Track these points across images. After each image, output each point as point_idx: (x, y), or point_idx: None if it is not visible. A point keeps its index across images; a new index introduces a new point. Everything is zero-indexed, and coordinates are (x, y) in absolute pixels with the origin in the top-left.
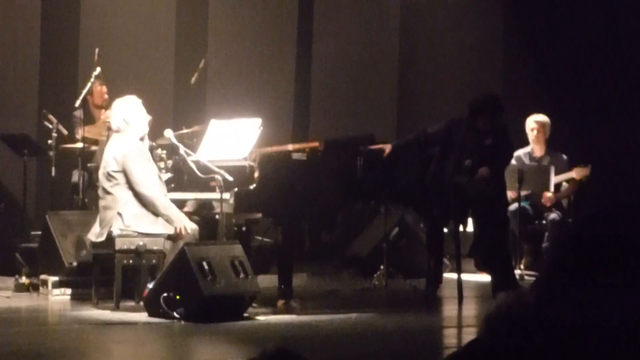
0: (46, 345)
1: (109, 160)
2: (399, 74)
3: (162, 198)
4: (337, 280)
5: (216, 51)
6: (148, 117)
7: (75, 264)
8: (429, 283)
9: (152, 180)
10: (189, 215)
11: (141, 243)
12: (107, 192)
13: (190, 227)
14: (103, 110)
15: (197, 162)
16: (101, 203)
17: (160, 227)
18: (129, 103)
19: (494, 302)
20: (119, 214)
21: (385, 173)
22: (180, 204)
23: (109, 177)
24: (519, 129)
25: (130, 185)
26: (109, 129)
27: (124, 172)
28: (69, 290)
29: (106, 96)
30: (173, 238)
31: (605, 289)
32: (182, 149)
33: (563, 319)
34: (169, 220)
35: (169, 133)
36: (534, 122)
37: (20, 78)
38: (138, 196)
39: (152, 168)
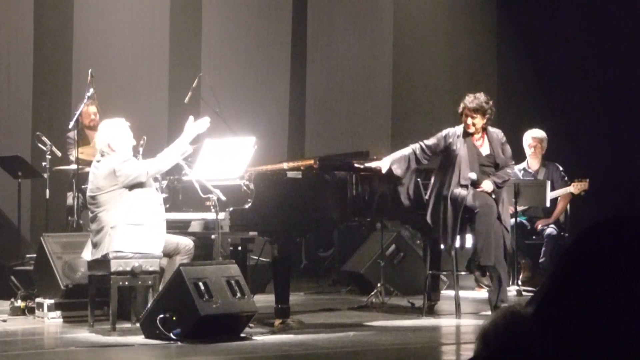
0: None
1: (94, 184)
2: (393, 91)
3: (147, 166)
4: (334, 298)
5: (210, 70)
6: (133, 142)
7: (71, 285)
8: (427, 299)
9: (137, 165)
10: (185, 234)
11: (137, 264)
12: (96, 215)
13: (186, 244)
14: (94, 133)
15: (197, 181)
16: (91, 226)
17: (151, 246)
18: (114, 127)
19: (488, 317)
20: (109, 235)
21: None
22: (184, 225)
23: (95, 200)
24: (515, 143)
25: (132, 182)
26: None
27: (124, 185)
28: (64, 313)
29: (93, 117)
30: (169, 254)
31: (603, 302)
32: (186, 169)
33: (561, 333)
34: (174, 157)
35: None
36: (531, 139)
37: (14, 100)
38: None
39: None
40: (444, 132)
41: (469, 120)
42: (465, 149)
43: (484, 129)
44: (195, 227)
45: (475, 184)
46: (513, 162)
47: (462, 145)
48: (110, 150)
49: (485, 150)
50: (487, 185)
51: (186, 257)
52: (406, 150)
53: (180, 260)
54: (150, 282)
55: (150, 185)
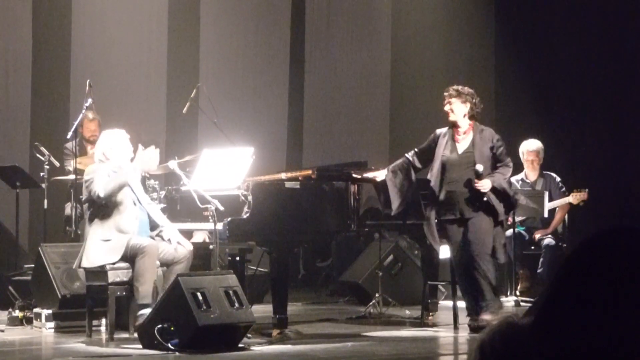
0: None
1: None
2: (391, 102)
3: (101, 187)
4: (332, 308)
5: (208, 80)
6: (130, 154)
7: (68, 296)
8: (425, 310)
9: (100, 183)
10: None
11: (130, 271)
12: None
13: (185, 244)
14: (93, 146)
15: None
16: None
17: (117, 256)
18: (112, 137)
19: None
20: (83, 248)
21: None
22: (188, 235)
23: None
24: (512, 153)
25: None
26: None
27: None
28: (62, 323)
29: (94, 133)
30: (167, 263)
31: (601, 313)
32: (185, 180)
33: (559, 344)
34: (122, 185)
35: (173, 164)
36: (527, 153)
37: (12, 110)
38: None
39: (106, 177)
40: (433, 134)
41: (447, 107)
42: (444, 145)
43: (474, 126)
44: (199, 238)
45: (478, 176)
46: (508, 161)
47: (443, 142)
48: (105, 158)
49: (463, 146)
50: (486, 185)
51: (184, 263)
52: (402, 159)
53: (179, 269)
54: (118, 292)
55: (122, 202)
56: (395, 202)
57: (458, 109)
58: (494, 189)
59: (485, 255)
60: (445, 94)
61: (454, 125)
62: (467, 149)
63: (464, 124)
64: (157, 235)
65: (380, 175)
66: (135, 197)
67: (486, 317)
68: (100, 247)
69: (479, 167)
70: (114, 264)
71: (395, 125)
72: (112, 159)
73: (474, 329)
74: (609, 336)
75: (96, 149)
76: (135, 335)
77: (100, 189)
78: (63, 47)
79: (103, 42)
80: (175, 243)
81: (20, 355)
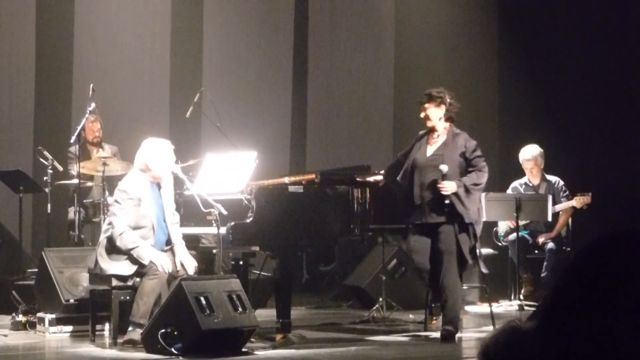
0: None
1: None
2: (394, 105)
3: (121, 238)
4: (335, 312)
5: (211, 85)
6: (172, 167)
7: (72, 300)
8: (429, 314)
9: (119, 220)
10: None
11: (138, 279)
12: None
13: (166, 266)
14: (97, 149)
15: (198, 196)
16: None
17: (126, 268)
18: (156, 148)
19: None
20: (96, 252)
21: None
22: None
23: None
24: (516, 157)
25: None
26: (104, 164)
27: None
28: (66, 327)
29: (97, 133)
30: (173, 275)
31: (606, 318)
32: (188, 184)
33: (563, 348)
34: (137, 258)
35: (176, 168)
36: (525, 162)
37: (16, 115)
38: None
39: (132, 208)
40: (411, 143)
41: (422, 113)
42: (417, 148)
43: (449, 130)
44: (202, 241)
45: (443, 177)
46: (482, 166)
47: (418, 145)
48: (147, 168)
49: (433, 148)
50: (449, 187)
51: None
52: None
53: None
54: (122, 297)
55: (142, 226)
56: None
57: (433, 114)
58: (460, 193)
59: (452, 269)
60: (419, 101)
61: (431, 129)
62: (436, 151)
63: (441, 127)
64: (169, 249)
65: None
66: (155, 221)
67: (448, 327)
68: (115, 255)
69: (444, 168)
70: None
71: (398, 129)
72: (154, 170)
73: (443, 336)
74: (612, 341)
75: (137, 157)
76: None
77: (120, 239)
78: (66, 52)
79: (106, 46)
80: (179, 264)
81: None
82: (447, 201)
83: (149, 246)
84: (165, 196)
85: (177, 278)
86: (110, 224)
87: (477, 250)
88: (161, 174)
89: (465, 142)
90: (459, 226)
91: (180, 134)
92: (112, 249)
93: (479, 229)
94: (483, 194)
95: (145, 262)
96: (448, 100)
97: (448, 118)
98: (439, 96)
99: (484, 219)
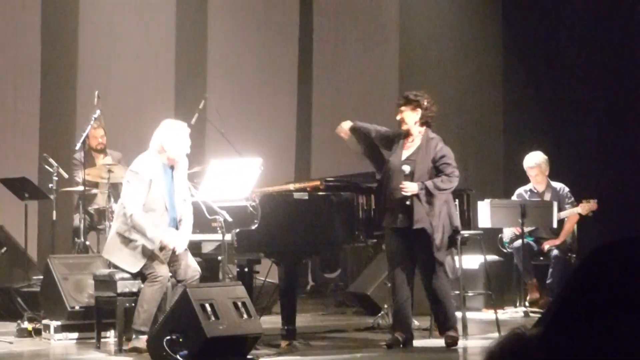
0: None
1: None
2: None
3: (132, 218)
4: (340, 319)
5: (216, 92)
6: (187, 150)
7: (77, 307)
8: (434, 320)
9: (130, 200)
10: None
11: (143, 285)
12: None
13: (179, 245)
14: (102, 156)
15: (203, 203)
16: None
17: (128, 264)
18: (173, 130)
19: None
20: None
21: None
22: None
23: None
24: (521, 162)
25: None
26: (109, 171)
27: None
28: (71, 334)
29: (101, 140)
30: (179, 281)
31: (611, 326)
32: (193, 191)
33: (568, 356)
34: (146, 239)
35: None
36: (528, 169)
37: (21, 122)
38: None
39: (142, 190)
40: (391, 132)
41: (398, 116)
42: (392, 151)
43: (424, 134)
44: (207, 248)
45: (406, 178)
46: (450, 172)
47: (394, 148)
48: (162, 150)
49: (407, 153)
50: (410, 187)
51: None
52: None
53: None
54: (127, 304)
55: (155, 209)
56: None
57: (409, 117)
58: (420, 196)
59: (438, 270)
60: (397, 103)
61: (408, 133)
62: (409, 156)
63: (415, 131)
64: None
65: (345, 124)
66: (168, 201)
67: (451, 333)
68: (125, 248)
69: (406, 168)
70: (130, 273)
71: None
72: (169, 152)
73: (448, 343)
74: (617, 348)
75: (154, 138)
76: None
77: (131, 219)
78: (71, 59)
79: (111, 54)
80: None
81: None
82: (407, 202)
83: (158, 228)
84: (178, 180)
85: (180, 282)
86: (122, 205)
87: (440, 254)
88: (176, 156)
89: (436, 147)
90: (424, 230)
91: None
92: (123, 239)
93: (438, 236)
94: (488, 201)
95: (156, 245)
96: (425, 104)
97: (424, 123)
98: (415, 100)
99: (489, 226)
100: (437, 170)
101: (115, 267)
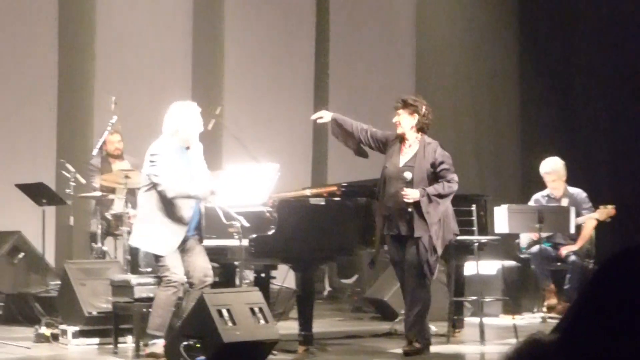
0: None
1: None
2: None
3: (174, 185)
4: (357, 325)
5: (232, 98)
6: (201, 128)
7: (94, 313)
8: (451, 326)
9: (160, 174)
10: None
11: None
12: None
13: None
14: (119, 161)
15: (220, 208)
16: None
17: (158, 246)
18: (184, 110)
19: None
20: (134, 229)
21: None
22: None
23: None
24: (537, 167)
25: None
26: (126, 177)
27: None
28: (88, 340)
29: (118, 145)
30: (190, 283)
31: (630, 332)
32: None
33: None
34: (191, 197)
35: None
36: (545, 175)
37: (38, 127)
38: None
39: (168, 166)
40: (386, 134)
41: (395, 118)
42: (388, 156)
43: (421, 140)
44: (224, 253)
45: (407, 185)
46: (450, 178)
47: (389, 152)
48: (176, 132)
49: (405, 159)
50: (412, 194)
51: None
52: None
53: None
54: (144, 309)
55: None
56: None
57: (405, 121)
58: (422, 203)
59: (423, 281)
60: (394, 105)
61: (403, 137)
62: (407, 162)
63: (411, 136)
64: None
65: (325, 114)
66: (189, 182)
67: (417, 345)
68: (154, 232)
69: (407, 175)
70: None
71: None
72: (183, 133)
73: (406, 352)
74: (636, 355)
75: (165, 121)
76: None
77: (170, 190)
78: (88, 65)
79: (127, 60)
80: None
81: None
82: (409, 209)
83: (197, 187)
84: (195, 161)
85: (192, 286)
86: (148, 190)
87: (434, 264)
88: (191, 136)
89: (435, 152)
90: (421, 238)
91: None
92: (152, 223)
93: (439, 243)
94: (505, 206)
95: (201, 196)
96: (423, 110)
97: (420, 128)
98: (413, 104)
99: (506, 231)
100: (436, 175)
101: (123, 285)
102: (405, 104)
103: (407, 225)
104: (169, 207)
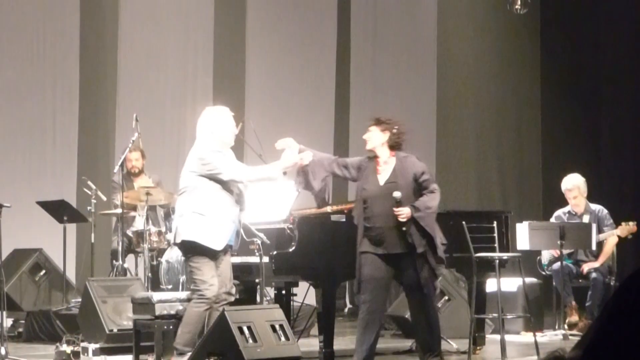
0: None
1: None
2: (437, 132)
3: (247, 169)
4: (378, 342)
5: (254, 114)
6: (235, 130)
7: (116, 330)
8: (472, 343)
9: (222, 165)
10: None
11: (181, 307)
12: (177, 199)
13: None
14: (140, 178)
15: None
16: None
17: (213, 240)
18: (217, 114)
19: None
20: (179, 225)
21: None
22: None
23: (181, 181)
24: (559, 185)
25: (217, 181)
26: (147, 194)
27: (207, 175)
28: (109, 357)
29: (135, 162)
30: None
31: None
32: None
33: None
34: (271, 179)
35: None
36: (567, 191)
37: (59, 145)
38: (231, 185)
39: (227, 157)
40: (358, 159)
41: (365, 135)
42: (363, 179)
43: (396, 155)
44: (245, 271)
45: (397, 204)
46: (433, 188)
47: (363, 176)
48: (211, 134)
49: (384, 177)
50: (406, 212)
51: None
52: (329, 158)
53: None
54: (165, 326)
55: (228, 189)
56: (316, 185)
57: (375, 137)
58: (419, 219)
59: (431, 300)
60: (368, 124)
61: (375, 156)
62: (388, 179)
63: (383, 153)
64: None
65: (306, 156)
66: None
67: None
68: (207, 226)
69: (397, 194)
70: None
71: (441, 155)
72: (221, 136)
73: None
74: None
75: (199, 125)
76: None
77: (244, 176)
78: (110, 82)
79: (149, 77)
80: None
81: None
82: (404, 228)
83: (273, 167)
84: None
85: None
86: (193, 190)
87: (439, 274)
88: (225, 138)
89: (413, 165)
90: (418, 254)
91: None
92: (202, 217)
93: (439, 251)
94: (526, 223)
95: (276, 176)
96: (394, 130)
97: (391, 146)
98: (386, 122)
99: (528, 248)
100: (419, 187)
101: (145, 302)
102: (378, 122)
103: (402, 243)
104: (216, 204)
